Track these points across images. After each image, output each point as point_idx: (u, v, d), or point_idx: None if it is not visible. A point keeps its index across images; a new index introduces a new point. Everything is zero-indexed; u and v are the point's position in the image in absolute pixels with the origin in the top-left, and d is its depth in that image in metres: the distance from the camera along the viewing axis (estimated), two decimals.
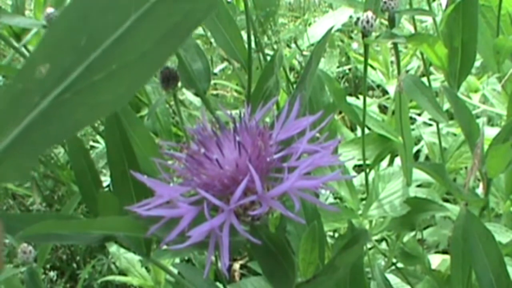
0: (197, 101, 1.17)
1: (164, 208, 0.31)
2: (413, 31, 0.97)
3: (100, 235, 0.46)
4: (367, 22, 0.67)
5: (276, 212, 0.35)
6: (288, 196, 0.30)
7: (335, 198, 1.00)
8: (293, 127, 0.33)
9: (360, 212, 0.77)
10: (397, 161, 0.98)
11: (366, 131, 0.80)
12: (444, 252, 1.09)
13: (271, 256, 0.34)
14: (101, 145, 1.27)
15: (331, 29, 0.48)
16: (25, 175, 0.22)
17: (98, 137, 1.30)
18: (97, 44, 0.21)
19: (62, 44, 0.21)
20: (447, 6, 0.75)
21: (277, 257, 0.34)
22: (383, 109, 1.45)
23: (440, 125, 0.92)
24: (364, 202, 0.80)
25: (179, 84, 0.69)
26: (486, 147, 0.66)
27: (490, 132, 0.85)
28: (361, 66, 1.45)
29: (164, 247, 0.32)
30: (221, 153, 0.32)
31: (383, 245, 1.01)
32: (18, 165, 0.22)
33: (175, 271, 0.75)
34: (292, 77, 1.26)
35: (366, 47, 0.71)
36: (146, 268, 1.06)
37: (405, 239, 0.89)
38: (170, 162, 0.35)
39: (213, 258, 0.92)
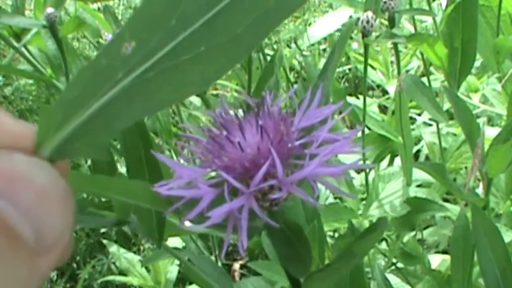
0: (197, 101, 1.17)
1: (184, 188, 0.31)
2: (413, 31, 0.97)
3: (114, 219, 0.46)
4: (367, 22, 0.67)
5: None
6: (307, 183, 0.30)
7: (335, 198, 1.00)
8: (314, 115, 0.33)
9: (360, 212, 0.77)
10: (397, 161, 0.98)
11: (366, 131, 0.80)
12: (444, 252, 1.09)
13: (288, 241, 0.34)
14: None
15: (351, 17, 0.48)
16: (100, 151, 0.22)
17: None
18: (187, 24, 0.20)
19: (151, 23, 0.21)
20: (447, 6, 0.75)
21: (294, 243, 0.34)
22: (383, 109, 1.45)
23: (440, 125, 0.92)
24: (364, 202, 0.80)
25: None
26: (486, 147, 0.66)
27: (490, 132, 0.85)
28: (361, 66, 1.45)
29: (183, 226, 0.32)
30: (243, 137, 0.32)
31: (383, 245, 1.01)
32: (95, 140, 0.21)
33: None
34: (292, 77, 1.26)
35: (366, 47, 0.71)
36: (146, 268, 1.06)
37: (405, 239, 0.89)
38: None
39: (213, 258, 0.92)
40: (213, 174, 0.32)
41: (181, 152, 0.34)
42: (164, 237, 0.50)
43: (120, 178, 0.47)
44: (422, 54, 0.86)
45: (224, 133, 0.32)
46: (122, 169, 0.80)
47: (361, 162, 0.83)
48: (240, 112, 0.34)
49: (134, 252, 1.16)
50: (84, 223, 0.45)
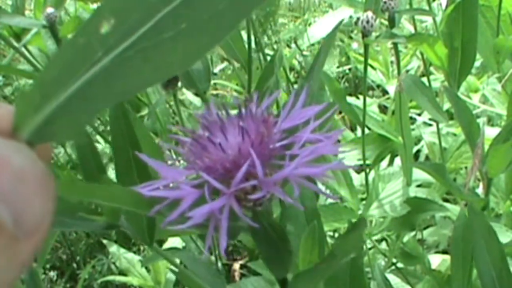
0: (197, 101, 1.17)
1: (167, 189, 0.31)
2: (413, 31, 0.97)
3: (103, 222, 0.46)
4: (367, 22, 0.67)
5: (275, 212, 0.35)
6: (289, 184, 0.30)
7: None
8: (298, 116, 0.34)
9: (360, 212, 0.77)
10: (397, 161, 0.98)
11: (366, 131, 0.80)
12: (444, 252, 1.09)
13: (271, 242, 0.35)
14: (101, 144, 1.27)
15: (342, 21, 0.48)
16: (79, 133, 0.21)
17: (98, 137, 1.30)
18: (167, 1, 0.20)
19: (130, 0, 0.20)
20: (447, 6, 0.75)
21: (277, 243, 0.35)
22: (383, 109, 1.45)
23: (440, 125, 0.92)
24: (364, 202, 0.80)
25: (179, 84, 0.69)
26: (486, 147, 0.66)
27: (490, 132, 0.85)
28: (361, 66, 1.45)
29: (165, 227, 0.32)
30: (224, 138, 0.32)
31: (383, 245, 1.01)
32: (74, 122, 0.21)
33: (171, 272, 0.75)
34: (292, 77, 1.26)
35: (366, 47, 0.71)
36: (146, 268, 1.06)
37: (405, 239, 0.89)
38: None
39: (213, 258, 0.92)
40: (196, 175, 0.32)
41: (167, 154, 0.35)
42: (154, 239, 0.50)
43: (105, 181, 0.47)
44: (422, 54, 0.86)
45: (206, 134, 0.33)
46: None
47: (357, 163, 0.84)
48: (224, 114, 0.34)
49: (134, 252, 1.15)
50: (74, 227, 0.45)
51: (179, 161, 0.35)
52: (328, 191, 0.92)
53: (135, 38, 0.20)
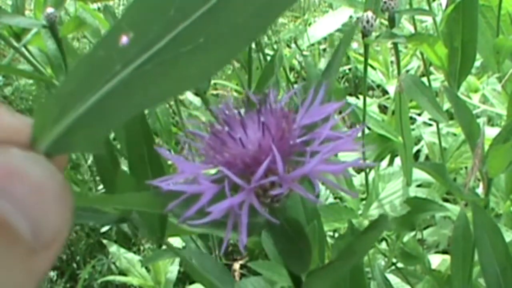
0: (197, 101, 1.17)
1: (185, 184, 0.31)
2: (413, 31, 0.97)
3: (115, 215, 0.46)
4: (367, 22, 0.67)
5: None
6: (308, 180, 0.30)
7: (335, 198, 1.00)
8: (317, 113, 0.33)
9: (360, 212, 0.77)
10: (397, 161, 0.98)
11: (366, 131, 0.80)
12: (444, 252, 1.09)
13: (288, 238, 0.34)
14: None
15: (351, 17, 0.49)
16: (96, 145, 0.21)
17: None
18: (186, 15, 0.20)
19: (149, 13, 0.20)
20: (447, 6, 0.75)
21: (294, 239, 0.34)
22: (383, 109, 1.45)
23: (440, 125, 0.92)
24: (364, 202, 0.80)
25: None
26: (486, 147, 0.66)
27: (490, 132, 0.85)
28: (361, 66, 1.45)
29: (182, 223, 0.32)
30: (244, 133, 0.32)
31: (383, 245, 1.01)
32: (92, 134, 0.21)
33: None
34: (292, 77, 1.26)
35: (366, 47, 0.71)
36: (146, 268, 1.06)
37: (405, 239, 0.89)
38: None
39: (213, 258, 0.92)
40: (214, 171, 0.32)
41: (184, 148, 0.34)
42: (166, 235, 0.50)
43: (121, 175, 0.47)
44: (422, 54, 0.86)
45: (226, 129, 0.32)
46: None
47: (361, 161, 0.83)
48: (242, 109, 0.34)
49: (134, 252, 1.16)
50: (86, 219, 0.45)
51: (195, 157, 0.34)
52: (328, 191, 0.92)
53: (153, 52, 0.20)
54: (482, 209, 0.59)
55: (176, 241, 1.02)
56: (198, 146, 0.34)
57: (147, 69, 0.20)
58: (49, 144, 0.21)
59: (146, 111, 1.05)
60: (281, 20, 1.63)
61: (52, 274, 1.21)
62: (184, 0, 0.20)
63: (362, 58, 0.92)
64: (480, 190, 0.94)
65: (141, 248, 1.28)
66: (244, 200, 0.29)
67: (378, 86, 1.58)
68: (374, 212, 0.75)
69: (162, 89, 0.20)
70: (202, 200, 0.29)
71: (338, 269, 0.36)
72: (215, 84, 1.46)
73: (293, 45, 1.38)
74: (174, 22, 0.20)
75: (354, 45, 1.57)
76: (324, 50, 1.71)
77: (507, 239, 0.75)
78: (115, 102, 0.21)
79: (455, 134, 1.14)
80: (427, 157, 1.26)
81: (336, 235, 0.99)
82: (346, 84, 1.72)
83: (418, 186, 1.08)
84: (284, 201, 0.33)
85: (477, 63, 1.18)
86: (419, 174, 0.90)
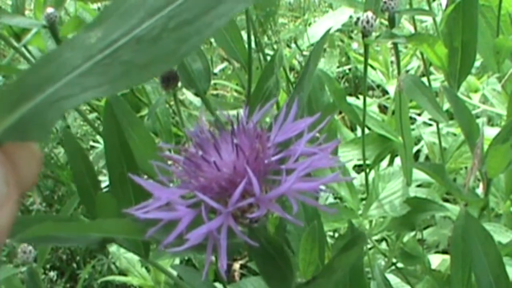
0: (197, 101, 1.17)
1: (162, 210, 0.31)
2: (413, 31, 0.97)
3: (98, 237, 0.46)
4: (367, 22, 0.67)
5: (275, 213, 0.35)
6: (287, 197, 0.30)
7: (335, 198, 1.00)
8: (291, 129, 0.33)
9: (360, 212, 0.77)
10: (397, 161, 0.98)
11: (366, 131, 0.80)
12: (444, 252, 1.09)
13: (269, 258, 0.34)
14: (101, 145, 1.27)
15: (329, 30, 0.48)
16: (46, 134, 0.21)
17: (98, 137, 1.30)
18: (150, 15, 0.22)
19: (119, 18, 0.22)
20: (447, 6, 0.75)
21: (275, 259, 0.34)
22: (383, 109, 1.45)
23: (440, 125, 0.92)
24: (364, 202, 0.80)
25: (179, 84, 0.69)
26: (486, 147, 0.66)
27: (490, 132, 0.85)
28: (361, 66, 1.45)
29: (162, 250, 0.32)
30: (218, 156, 0.32)
31: (383, 245, 1.01)
32: (43, 122, 0.21)
33: (174, 272, 0.75)
34: (292, 77, 1.26)
35: (366, 47, 0.70)
36: (146, 268, 1.06)
37: (405, 239, 0.89)
38: (169, 164, 0.35)
39: (213, 258, 0.92)
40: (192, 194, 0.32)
41: (159, 174, 0.34)
42: (152, 261, 0.50)
43: (100, 198, 0.47)
44: (422, 54, 0.86)
45: (200, 152, 0.32)
46: None
47: (358, 162, 0.83)
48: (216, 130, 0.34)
49: (134, 252, 1.15)
50: (71, 242, 0.45)
51: (172, 181, 0.34)
52: (328, 193, 0.92)
53: (115, 47, 0.21)
54: (474, 217, 0.59)
55: None
56: (172, 170, 0.34)
57: (106, 62, 0.21)
58: (1, 132, 0.22)
59: (143, 113, 1.05)
60: (281, 20, 1.62)
61: (52, 274, 1.21)
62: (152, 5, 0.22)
63: (362, 58, 0.92)
64: (480, 190, 0.94)
65: None
66: (222, 223, 0.29)
67: (378, 86, 1.58)
68: (374, 212, 0.75)
69: (112, 81, 0.21)
70: (179, 226, 0.29)
71: (321, 285, 0.35)
72: (215, 84, 1.45)
73: (293, 45, 1.38)
74: (139, 23, 0.22)
75: (354, 45, 1.57)
76: (324, 50, 1.71)
77: (507, 239, 0.75)
78: (68, 91, 0.21)
79: (455, 134, 1.14)
80: (427, 157, 1.26)
81: (336, 235, 0.99)
82: (346, 84, 1.72)
83: (418, 186, 1.08)
84: (264, 220, 0.33)
85: (477, 63, 1.17)
86: (419, 174, 0.90)
